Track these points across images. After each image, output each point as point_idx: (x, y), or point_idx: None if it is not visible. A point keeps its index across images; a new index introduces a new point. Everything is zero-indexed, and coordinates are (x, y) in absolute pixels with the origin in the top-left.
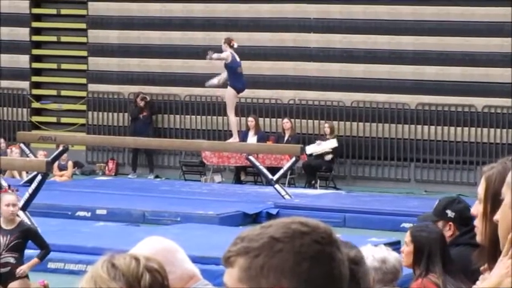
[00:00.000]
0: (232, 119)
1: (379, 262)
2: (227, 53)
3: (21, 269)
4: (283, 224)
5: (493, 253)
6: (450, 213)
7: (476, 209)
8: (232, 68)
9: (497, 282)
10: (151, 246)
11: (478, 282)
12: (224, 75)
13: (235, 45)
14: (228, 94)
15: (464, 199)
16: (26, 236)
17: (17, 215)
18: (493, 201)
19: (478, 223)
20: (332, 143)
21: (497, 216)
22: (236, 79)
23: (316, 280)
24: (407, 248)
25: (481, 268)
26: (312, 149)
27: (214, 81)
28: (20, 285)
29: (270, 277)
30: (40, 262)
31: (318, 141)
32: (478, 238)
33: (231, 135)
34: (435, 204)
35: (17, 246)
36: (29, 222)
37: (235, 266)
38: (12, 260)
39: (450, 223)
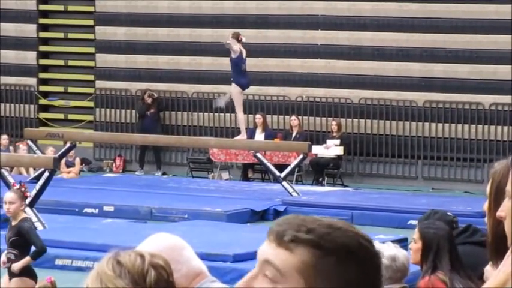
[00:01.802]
0: (241, 116)
1: (389, 260)
2: (236, 47)
3: (13, 267)
4: (351, 234)
5: (495, 249)
6: None
7: (486, 205)
8: (237, 64)
9: (504, 280)
10: (157, 243)
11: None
12: (228, 95)
13: (243, 40)
14: (234, 92)
15: (471, 196)
16: (19, 233)
17: (24, 211)
18: (496, 196)
19: (486, 220)
20: (339, 150)
21: (500, 212)
22: (240, 75)
23: None
24: (415, 244)
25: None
26: (319, 150)
27: (222, 102)
28: (15, 285)
29: (331, 281)
30: (32, 260)
31: (325, 145)
32: (488, 235)
33: (238, 132)
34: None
35: (15, 243)
36: (35, 219)
37: (295, 253)
38: (12, 257)
39: None
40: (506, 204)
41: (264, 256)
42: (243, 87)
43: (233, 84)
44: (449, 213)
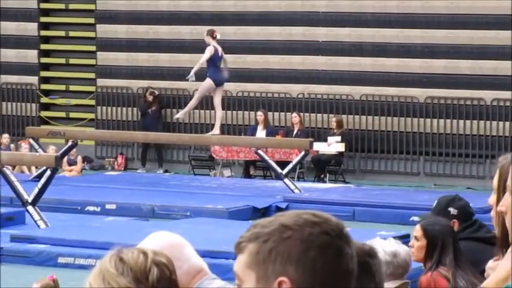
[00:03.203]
0: (194, 103)
1: (390, 256)
2: (208, 51)
3: None
4: (295, 214)
5: (504, 244)
6: (453, 210)
7: (492, 199)
8: (213, 61)
9: (505, 276)
10: (158, 241)
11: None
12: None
13: (218, 37)
14: (205, 84)
15: (474, 192)
16: None
17: None
18: (504, 190)
19: (493, 214)
20: (341, 147)
21: (500, 207)
22: (215, 72)
23: (322, 271)
24: (418, 243)
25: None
26: (321, 147)
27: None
28: None
29: (277, 263)
30: None
31: (328, 142)
32: (495, 229)
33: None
34: (434, 204)
35: None
36: (37, 217)
37: (245, 252)
38: None
39: (454, 220)
40: (507, 199)
41: (234, 271)
42: (216, 83)
43: (207, 79)
44: (471, 206)
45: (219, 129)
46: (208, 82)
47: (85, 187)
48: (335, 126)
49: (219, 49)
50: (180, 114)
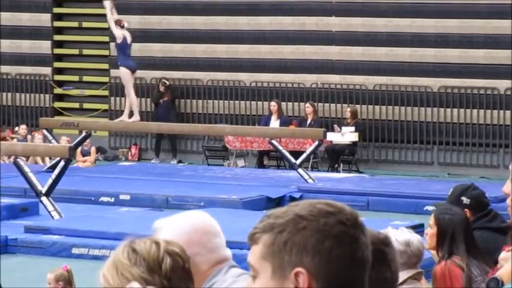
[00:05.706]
0: (133, 97)
1: (403, 245)
2: (119, 33)
3: None
4: (309, 204)
5: None
6: (466, 199)
7: (508, 187)
8: (122, 49)
9: None
10: (193, 222)
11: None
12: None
13: (126, 25)
14: (124, 74)
15: (487, 182)
16: None
17: None
18: None
19: (509, 202)
20: (354, 136)
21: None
22: (127, 59)
23: (338, 260)
24: (431, 230)
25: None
26: (334, 137)
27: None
28: None
29: (293, 254)
30: None
31: (341, 132)
32: (511, 217)
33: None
34: (449, 192)
35: None
36: (51, 208)
37: (259, 243)
38: None
39: (466, 210)
40: None
41: (248, 262)
42: (131, 69)
43: (121, 68)
44: (486, 196)
45: (134, 115)
46: (125, 71)
47: (99, 178)
48: (349, 116)
49: (128, 37)
50: (133, 119)
